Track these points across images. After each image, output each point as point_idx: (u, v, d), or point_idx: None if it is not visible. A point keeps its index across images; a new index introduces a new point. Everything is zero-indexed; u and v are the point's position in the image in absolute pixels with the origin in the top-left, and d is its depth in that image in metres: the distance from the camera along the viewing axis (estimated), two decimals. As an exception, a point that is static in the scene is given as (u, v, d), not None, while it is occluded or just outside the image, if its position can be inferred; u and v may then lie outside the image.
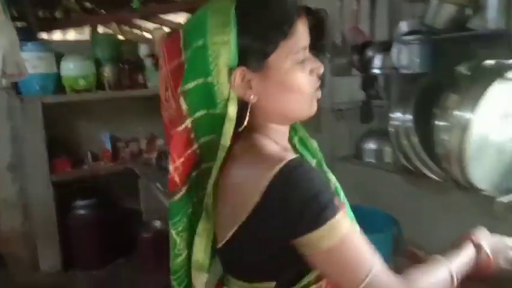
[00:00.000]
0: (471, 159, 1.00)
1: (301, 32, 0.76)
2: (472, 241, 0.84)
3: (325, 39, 1.82)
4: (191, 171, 0.81)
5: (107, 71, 3.43)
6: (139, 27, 4.84)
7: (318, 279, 0.80)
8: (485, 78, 1.01)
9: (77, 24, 4.11)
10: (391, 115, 1.23)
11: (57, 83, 3.24)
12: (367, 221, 1.26)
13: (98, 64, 3.41)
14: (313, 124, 1.73)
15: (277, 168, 0.69)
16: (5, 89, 3.25)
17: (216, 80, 0.74)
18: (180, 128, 0.77)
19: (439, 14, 1.11)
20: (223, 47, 0.72)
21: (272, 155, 0.74)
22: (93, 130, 3.66)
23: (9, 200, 3.39)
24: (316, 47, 1.77)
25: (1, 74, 1.80)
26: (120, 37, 4.86)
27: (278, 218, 0.71)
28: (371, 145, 1.47)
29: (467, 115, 0.98)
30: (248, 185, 0.72)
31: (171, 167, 0.80)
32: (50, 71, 3.21)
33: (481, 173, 1.02)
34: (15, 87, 3.21)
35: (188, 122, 0.77)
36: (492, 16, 1.00)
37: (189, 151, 0.79)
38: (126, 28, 5.05)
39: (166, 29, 3.99)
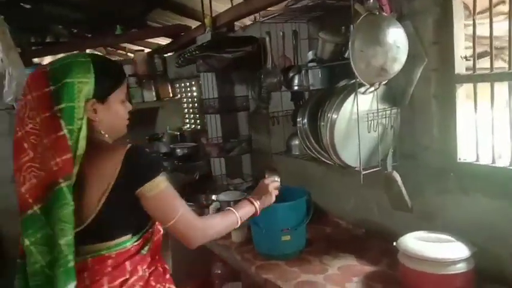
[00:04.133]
0: (339, 147, 1.49)
1: (125, 84, 1.22)
2: (251, 201, 1.40)
3: (266, 62, 2.31)
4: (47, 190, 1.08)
5: None
6: (124, 49, 5.28)
7: (152, 224, 1.23)
8: (349, 91, 1.51)
9: (66, 48, 4.49)
10: (297, 120, 1.73)
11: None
12: (291, 194, 1.75)
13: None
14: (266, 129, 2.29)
15: (127, 148, 1.10)
16: (6, 110, 3.70)
17: (78, 105, 1.08)
18: (60, 134, 1.06)
19: (324, 49, 1.62)
20: (85, 86, 1.09)
21: (117, 145, 1.15)
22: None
23: (12, 210, 3.77)
24: (260, 67, 2.26)
25: (15, 99, 2.25)
26: (107, 58, 5.26)
27: (129, 177, 1.10)
28: (295, 142, 1.97)
29: (334, 116, 1.48)
30: (109, 164, 1.10)
31: (22, 189, 1.09)
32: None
33: (349, 156, 1.52)
34: (15, 108, 3.67)
35: (66, 132, 1.07)
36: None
37: (70, 155, 1.07)
38: (112, 50, 5.49)
39: (147, 50, 4.44)
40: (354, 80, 1.46)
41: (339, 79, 1.67)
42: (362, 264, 1.61)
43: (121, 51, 5.34)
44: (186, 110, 4.15)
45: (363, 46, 1.33)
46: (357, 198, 1.96)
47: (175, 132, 3.86)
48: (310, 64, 1.73)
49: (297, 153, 1.98)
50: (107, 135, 1.19)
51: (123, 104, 1.21)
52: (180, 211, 1.16)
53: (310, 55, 1.78)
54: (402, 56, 1.37)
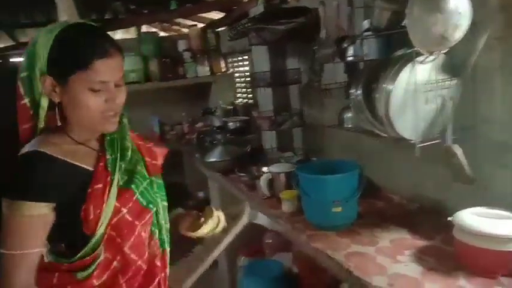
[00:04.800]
0: (395, 119, 1.45)
1: (100, 70, 1.00)
2: None
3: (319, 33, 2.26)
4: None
5: (153, 65, 4.01)
6: (179, 24, 5.38)
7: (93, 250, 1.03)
8: (405, 61, 1.46)
9: (124, 25, 4.64)
10: (350, 91, 1.70)
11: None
12: (342, 167, 1.75)
13: (145, 59, 3.98)
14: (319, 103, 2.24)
15: (21, 152, 1.01)
16: None
17: (34, 77, 1.03)
18: (22, 102, 1.06)
19: (380, 17, 1.56)
20: (39, 58, 1.01)
21: (31, 144, 1.02)
22: (144, 116, 4.15)
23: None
24: (314, 39, 2.23)
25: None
26: (162, 34, 5.40)
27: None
28: (349, 114, 1.94)
29: (390, 86, 1.44)
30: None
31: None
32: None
33: (405, 128, 1.47)
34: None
35: (27, 101, 1.05)
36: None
37: (29, 124, 1.06)
38: (167, 25, 5.61)
39: (201, 25, 4.50)
40: (411, 50, 1.41)
41: (396, 48, 1.62)
42: (415, 239, 1.59)
43: (176, 27, 5.45)
44: (238, 85, 4.20)
45: (421, 13, 1.28)
46: (412, 173, 1.91)
47: (228, 107, 3.92)
48: (366, 34, 1.68)
49: (350, 125, 1.95)
50: (75, 128, 1.08)
51: (94, 93, 1.01)
52: (3, 251, 0.97)
53: (365, 24, 1.73)
54: (464, 23, 1.30)
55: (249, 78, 3.87)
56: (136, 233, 1.12)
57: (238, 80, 4.18)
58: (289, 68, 2.68)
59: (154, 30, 5.43)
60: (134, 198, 1.12)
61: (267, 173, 2.15)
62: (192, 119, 4.32)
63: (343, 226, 1.71)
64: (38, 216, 0.98)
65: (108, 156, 1.11)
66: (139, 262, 1.13)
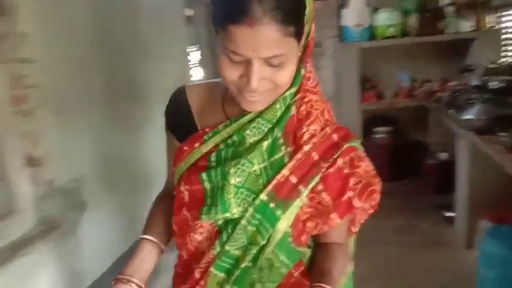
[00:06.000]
0: None
1: (235, 38, 0.74)
2: None
3: None
4: None
5: (411, 20, 3.96)
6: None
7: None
8: None
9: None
10: None
11: (371, 32, 4.01)
12: None
13: (404, 14, 3.97)
14: None
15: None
16: (332, 37, 4.23)
17: None
18: None
19: None
20: None
21: (202, 81, 1.00)
22: (394, 71, 4.28)
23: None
24: None
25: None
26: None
27: None
28: None
29: None
30: None
31: None
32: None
33: None
34: (340, 35, 4.15)
35: None
36: None
37: None
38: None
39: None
40: None
41: None
42: None
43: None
44: (506, 41, 3.81)
45: None
46: None
47: (490, 65, 3.64)
48: None
49: None
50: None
51: (231, 63, 0.78)
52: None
53: None
54: None
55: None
56: (182, 215, 0.94)
57: (507, 36, 3.78)
58: None
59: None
60: (199, 187, 0.91)
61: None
62: (444, 76, 4.18)
63: None
64: (168, 139, 1.04)
65: (216, 128, 0.91)
66: (178, 240, 0.97)
